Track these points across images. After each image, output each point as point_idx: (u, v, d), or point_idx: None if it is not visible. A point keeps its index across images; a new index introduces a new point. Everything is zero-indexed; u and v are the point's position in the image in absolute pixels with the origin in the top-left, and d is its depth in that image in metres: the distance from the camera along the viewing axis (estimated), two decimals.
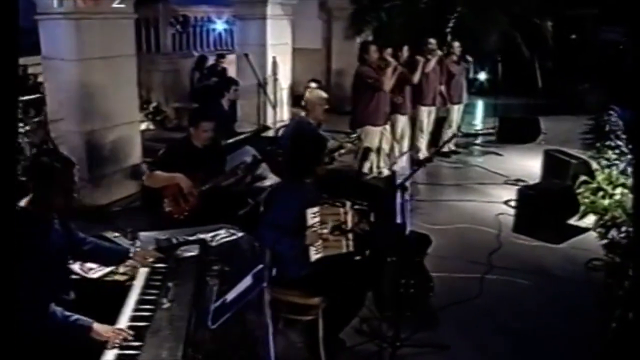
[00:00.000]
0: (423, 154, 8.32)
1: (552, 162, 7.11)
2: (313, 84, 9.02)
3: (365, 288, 3.85)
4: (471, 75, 8.88)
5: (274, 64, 8.65)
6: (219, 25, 11.45)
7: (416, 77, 7.40)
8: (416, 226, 5.77)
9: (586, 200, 6.07)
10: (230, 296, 2.62)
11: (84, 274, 3.23)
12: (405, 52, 7.53)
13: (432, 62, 7.84)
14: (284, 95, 9.06)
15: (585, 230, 5.85)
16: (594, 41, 15.50)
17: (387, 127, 7.29)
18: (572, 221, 6.02)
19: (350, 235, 3.60)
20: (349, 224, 3.56)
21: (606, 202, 5.97)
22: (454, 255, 5.26)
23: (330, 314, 3.54)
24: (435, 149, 8.66)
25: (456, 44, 8.73)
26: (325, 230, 3.50)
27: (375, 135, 6.66)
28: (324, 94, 5.57)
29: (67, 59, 6.02)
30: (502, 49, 13.76)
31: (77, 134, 6.22)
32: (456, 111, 8.77)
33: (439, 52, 7.96)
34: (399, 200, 5.04)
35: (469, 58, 8.74)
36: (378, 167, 7.39)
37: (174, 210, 4.25)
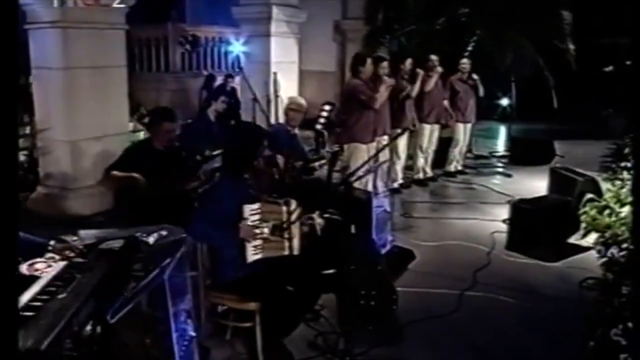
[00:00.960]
0: (424, 173, 8.01)
1: (558, 180, 6.70)
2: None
3: (311, 295, 3.55)
4: (480, 93, 8.51)
5: (275, 81, 8.52)
6: (237, 47, 11.40)
7: (414, 91, 7.14)
8: (404, 241, 5.54)
9: (589, 219, 5.64)
10: (131, 289, 2.42)
11: None
12: (408, 64, 7.29)
13: (432, 80, 7.60)
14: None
15: (586, 249, 5.42)
16: (624, 68, 15.00)
17: (384, 141, 7.01)
18: (573, 240, 5.62)
19: (295, 238, 3.35)
20: (292, 224, 3.30)
21: (610, 219, 5.53)
22: (438, 271, 4.95)
23: (269, 322, 3.26)
24: (443, 171, 8.39)
25: (464, 60, 8.46)
26: (265, 230, 3.26)
27: (363, 153, 6.35)
28: (302, 101, 5.42)
29: (54, 67, 6.00)
30: (525, 74, 13.46)
31: (63, 143, 6.16)
32: (462, 130, 8.43)
33: (439, 69, 7.70)
34: (374, 212, 4.83)
35: (475, 76, 8.44)
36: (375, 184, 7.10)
37: None
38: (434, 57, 7.84)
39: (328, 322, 3.90)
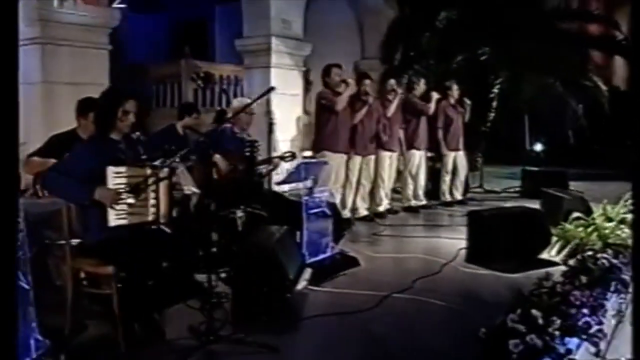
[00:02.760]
0: (415, 200, 7.68)
1: (547, 200, 6.28)
2: None
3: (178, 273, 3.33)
4: (466, 119, 8.25)
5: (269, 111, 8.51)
6: None
7: (390, 111, 6.95)
8: (358, 252, 5.24)
9: (559, 231, 5.19)
10: None
11: None
12: (389, 85, 7.17)
13: (431, 105, 7.43)
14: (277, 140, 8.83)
15: (556, 264, 4.93)
16: None
17: (370, 162, 6.83)
18: (546, 255, 5.14)
19: (162, 204, 3.21)
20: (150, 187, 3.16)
21: (582, 230, 5.07)
22: (377, 277, 4.64)
23: (128, 290, 3.08)
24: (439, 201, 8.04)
25: (454, 87, 8.24)
26: (130, 200, 3.13)
27: (333, 163, 6.17)
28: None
29: (30, 82, 6.24)
30: (557, 118, 13.01)
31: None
32: (452, 158, 8.07)
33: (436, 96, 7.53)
34: (307, 212, 4.63)
35: (467, 101, 8.17)
36: (354, 203, 6.86)
37: None
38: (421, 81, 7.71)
39: (227, 311, 3.66)
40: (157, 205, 3.22)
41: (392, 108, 7.07)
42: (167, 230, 3.36)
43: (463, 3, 11.21)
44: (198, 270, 3.42)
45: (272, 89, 3.98)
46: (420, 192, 7.75)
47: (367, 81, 6.73)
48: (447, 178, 8.03)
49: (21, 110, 5.95)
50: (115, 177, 3.12)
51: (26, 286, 2.60)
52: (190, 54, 10.50)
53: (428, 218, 7.33)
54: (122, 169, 3.15)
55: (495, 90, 12.36)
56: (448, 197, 8.04)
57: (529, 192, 8.76)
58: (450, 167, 8.07)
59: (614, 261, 4.42)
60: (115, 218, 3.12)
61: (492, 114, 12.60)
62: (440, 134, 7.95)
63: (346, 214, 6.60)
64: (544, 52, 11.12)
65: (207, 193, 4.73)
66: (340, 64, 6.61)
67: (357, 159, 6.64)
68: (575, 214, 5.65)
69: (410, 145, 7.51)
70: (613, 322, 4.29)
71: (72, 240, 3.25)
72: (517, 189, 9.35)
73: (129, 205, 3.14)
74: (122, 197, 3.09)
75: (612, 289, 4.34)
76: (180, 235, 3.39)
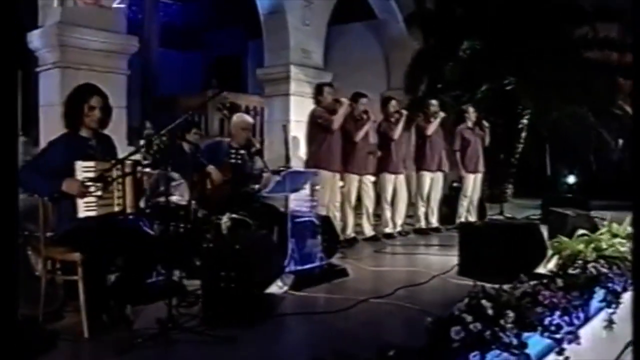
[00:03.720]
0: (427, 223, 7.62)
1: (553, 219, 6.14)
2: None
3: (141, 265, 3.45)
4: (486, 142, 8.21)
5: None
6: None
7: (396, 133, 6.98)
8: (351, 265, 5.26)
9: (555, 243, 5.08)
10: None
11: None
12: (392, 106, 7.22)
13: (432, 126, 7.45)
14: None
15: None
16: None
17: (368, 182, 6.84)
18: (543, 270, 5.02)
19: (128, 195, 3.37)
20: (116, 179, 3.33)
21: (577, 242, 4.95)
22: (361, 286, 4.64)
23: (94, 277, 3.22)
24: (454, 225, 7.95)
25: (471, 109, 8.23)
26: (98, 192, 3.30)
27: (328, 182, 6.21)
28: (248, 119, 5.51)
29: (51, 104, 6.62)
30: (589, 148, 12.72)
31: None
32: (472, 181, 8.02)
33: (441, 114, 7.55)
34: (292, 220, 4.71)
35: (486, 124, 8.13)
36: (358, 225, 6.87)
37: None
38: (434, 102, 7.74)
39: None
40: (123, 197, 3.37)
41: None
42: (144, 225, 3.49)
43: (487, 33, 11.25)
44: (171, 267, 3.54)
45: (186, 116, 3.95)
46: (433, 215, 7.68)
47: (364, 100, 6.77)
48: (466, 202, 7.96)
49: (43, 130, 6.32)
50: (84, 171, 3.30)
51: None
52: (217, 85, 10.89)
53: (437, 239, 7.25)
54: (91, 163, 3.33)
55: (524, 121, 12.28)
56: (463, 218, 7.93)
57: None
58: (470, 190, 8.02)
59: (603, 270, 4.32)
60: (84, 209, 3.28)
61: (521, 145, 12.50)
62: (457, 156, 7.91)
63: (349, 233, 6.63)
64: (571, 81, 11.00)
65: (200, 200, 4.90)
66: (331, 83, 6.74)
67: (354, 178, 6.64)
68: (581, 231, 5.53)
69: (420, 166, 7.50)
70: (604, 333, 4.18)
71: (48, 232, 3.42)
72: (539, 216, 9.14)
73: (98, 197, 3.30)
74: (90, 189, 3.25)
75: (599, 298, 4.23)
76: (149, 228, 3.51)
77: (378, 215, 7.27)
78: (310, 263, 4.81)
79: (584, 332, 4.01)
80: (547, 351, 3.30)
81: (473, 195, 8.07)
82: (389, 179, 7.05)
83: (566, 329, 3.41)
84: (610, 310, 4.25)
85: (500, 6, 11.09)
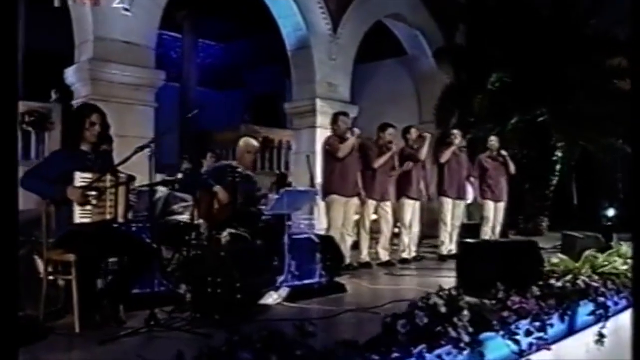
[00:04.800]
0: (448, 249, 7.66)
1: (565, 241, 6.19)
2: None
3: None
4: (512, 171, 8.21)
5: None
6: None
7: (423, 154, 7.15)
8: (352, 283, 5.40)
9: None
10: None
11: None
12: (413, 132, 7.41)
13: (448, 152, 7.57)
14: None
15: None
16: None
17: (387, 207, 6.98)
18: None
19: (120, 205, 3.69)
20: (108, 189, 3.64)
21: (579, 263, 4.95)
22: (357, 300, 4.76)
23: (87, 276, 3.53)
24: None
25: (493, 138, 8.29)
26: (93, 198, 3.62)
27: (341, 207, 6.40)
28: (254, 143, 5.77)
29: None
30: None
31: None
32: (493, 208, 8.04)
33: (457, 142, 7.68)
34: (289, 237, 4.92)
35: (504, 153, 8.16)
36: (373, 249, 7.00)
37: None
38: (455, 132, 7.86)
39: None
40: (115, 206, 3.69)
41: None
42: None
43: (518, 65, 11.31)
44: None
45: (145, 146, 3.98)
46: (452, 242, 7.72)
47: (391, 130, 6.98)
48: (487, 228, 7.99)
49: None
50: (82, 181, 3.63)
51: None
52: (249, 120, 11.35)
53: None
54: (89, 175, 3.67)
55: (559, 154, 12.14)
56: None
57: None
58: (491, 218, 8.05)
59: (594, 284, 4.33)
60: (79, 216, 3.61)
61: (556, 178, 12.33)
62: (475, 183, 8.00)
63: (364, 257, 6.77)
64: (605, 112, 10.89)
65: (207, 219, 5.20)
66: (347, 112, 7.00)
67: (372, 204, 6.81)
68: (588, 252, 5.51)
69: (442, 192, 7.62)
70: (592, 344, 4.16)
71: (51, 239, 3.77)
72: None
73: (93, 206, 3.62)
74: (88, 197, 3.58)
75: (588, 312, 4.23)
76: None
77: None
78: (309, 278, 4.97)
79: (571, 344, 4.04)
80: (514, 356, 3.36)
81: (495, 223, 8.08)
82: (409, 204, 7.18)
83: (536, 334, 3.47)
84: (601, 325, 4.24)
85: (532, 39, 11.16)
